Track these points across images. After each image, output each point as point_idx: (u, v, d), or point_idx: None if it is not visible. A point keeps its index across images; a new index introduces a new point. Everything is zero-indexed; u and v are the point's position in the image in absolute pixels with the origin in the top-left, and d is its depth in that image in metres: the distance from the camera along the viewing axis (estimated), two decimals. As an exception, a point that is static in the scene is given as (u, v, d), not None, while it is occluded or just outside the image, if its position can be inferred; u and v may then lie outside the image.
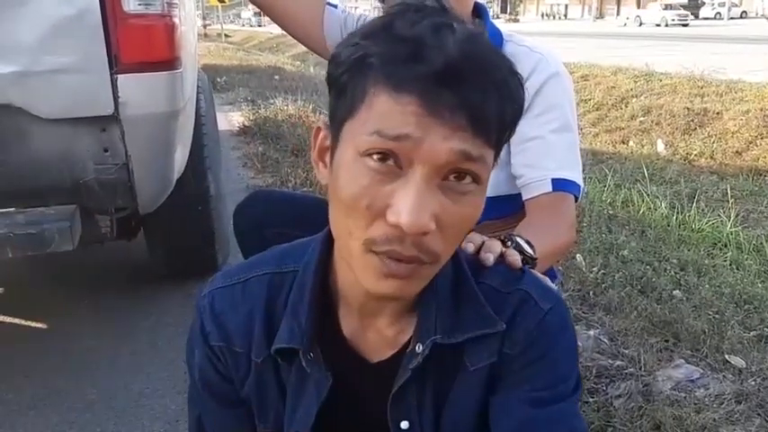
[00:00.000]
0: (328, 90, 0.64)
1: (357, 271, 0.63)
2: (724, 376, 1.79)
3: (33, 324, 2.26)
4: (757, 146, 5.83)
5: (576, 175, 1.25)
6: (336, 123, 0.62)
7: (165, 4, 1.68)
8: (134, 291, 2.50)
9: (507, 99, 0.59)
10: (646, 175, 4.72)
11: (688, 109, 6.74)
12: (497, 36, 1.31)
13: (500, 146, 0.62)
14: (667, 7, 36.59)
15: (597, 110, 7.64)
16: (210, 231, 2.35)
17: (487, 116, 0.58)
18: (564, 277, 2.42)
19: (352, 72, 0.59)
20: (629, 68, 8.53)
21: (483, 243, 0.78)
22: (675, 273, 2.61)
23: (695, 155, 6.01)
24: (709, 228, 3.47)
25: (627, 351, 1.92)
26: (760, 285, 2.59)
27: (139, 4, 1.63)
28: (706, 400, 1.67)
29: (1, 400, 1.83)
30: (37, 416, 1.76)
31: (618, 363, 1.85)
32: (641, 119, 7.02)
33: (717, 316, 2.18)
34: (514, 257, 0.76)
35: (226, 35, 28.28)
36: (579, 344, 1.86)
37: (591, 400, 1.70)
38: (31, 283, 2.57)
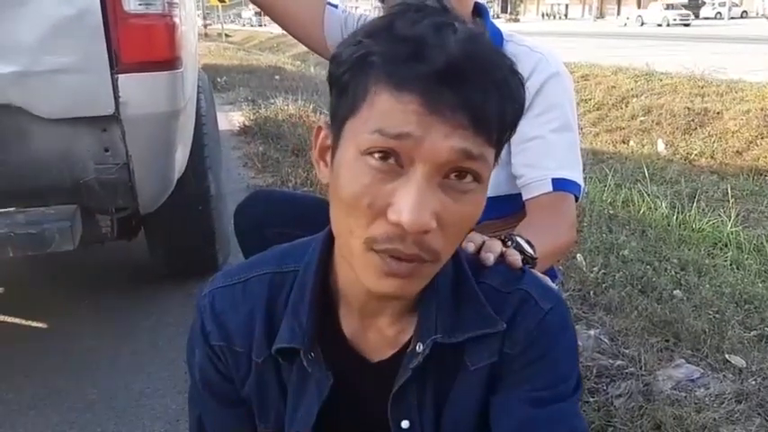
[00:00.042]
0: (329, 89, 0.64)
1: (358, 270, 0.63)
2: (724, 376, 1.79)
3: (33, 324, 2.26)
4: (757, 145, 5.83)
5: (577, 175, 1.25)
6: (337, 122, 0.62)
7: (166, 4, 1.68)
8: (134, 290, 2.50)
9: (508, 98, 0.59)
10: (646, 174, 4.73)
11: (688, 109, 6.74)
12: (497, 36, 1.31)
13: (501, 145, 0.62)
14: (669, 7, 36.53)
15: (597, 109, 7.64)
16: (211, 231, 2.35)
17: (488, 115, 0.58)
18: (564, 277, 2.42)
19: (353, 71, 0.59)
20: (630, 68, 8.53)
21: (483, 243, 0.78)
22: (676, 272, 2.61)
23: (695, 155, 6.01)
24: (710, 228, 3.47)
25: (627, 351, 1.92)
26: (760, 285, 2.59)
27: (140, 4, 1.63)
28: (706, 399, 1.67)
29: (1, 399, 1.83)
30: (37, 416, 1.76)
31: (618, 362, 1.85)
32: (642, 119, 7.02)
33: (717, 316, 2.18)
34: (515, 257, 0.76)
35: (226, 35, 28.29)
36: (580, 343, 1.86)
37: (591, 399, 1.70)
38: (32, 283, 2.58)
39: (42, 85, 1.59)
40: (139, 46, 1.66)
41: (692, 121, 6.57)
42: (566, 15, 57.86)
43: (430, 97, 0.56)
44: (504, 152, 0.67)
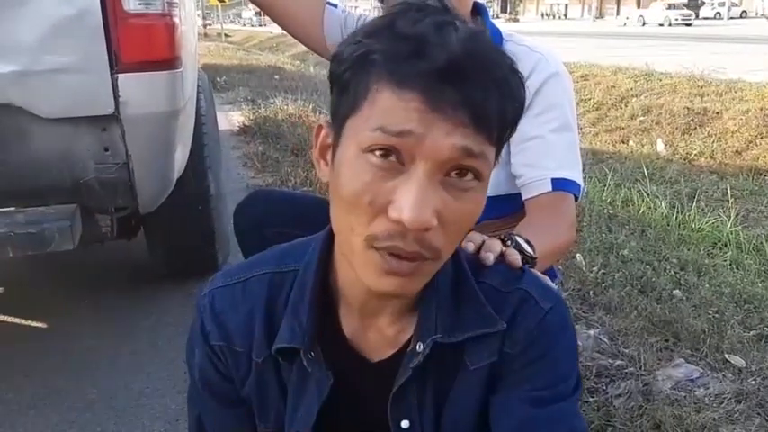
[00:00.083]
0: (330, 88, 0.64)
1: (358, 268, 0.63)
2: (724, 375, 1.79)
3: (33, 324, 2.26)
4: (757, 145, 5.84)
5: (576, 175, 1.25)
6: (338, 121, 0.62)
7: (166, 4, 1.68)
8: (134, 290, 2.50)
9: (508, 97, 0.60)
10: (646, 174, 4.73)
11: (688, 109, 6.75)
12: (497, 35, 1.31)
13: (501, 143, 0.63)
14: (671, 7, 36.40)
15: (597, 109, 7.64)
16: (211, 231, 2.35)
17: (489, 113, 0.58)
18: (564, 277, 2.42)
19: (354, 69, 0.59)
20: (629, 68, 8.54)
21: (483, 242, 0.78)
22: (675, 272, 2.61)
23: (695, 154, 6.01)
24: (709, 227, 3.47)
25: (627, 350, 1.92)
26: (760, 285, 2.60)
27: (140, 4, 1.63)
28: (706, 399, 1.67)
29: (1, 399, 1.83)
30: (37, 415, 1.76)
31: (618, 362, 1.85)
32: (641, 118, 7.02)
33: (717, 315, 2.18)
34: (514, 257, 0.76)
35: (226, 35, 28.27)
36: (579, 343, 1.86)
37: (591, 399, 1.70)
38: (31, 283, 2.58)
39: (42, 85, 1.59)
40: (139, 46, 1.66)
41: (692, 120, 6.57)
42: (565, 15, 57.88)
43: (431, 95, 0.56)
44: (503, 152, 0.67)
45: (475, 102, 0.57)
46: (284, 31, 1.61)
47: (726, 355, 1.89)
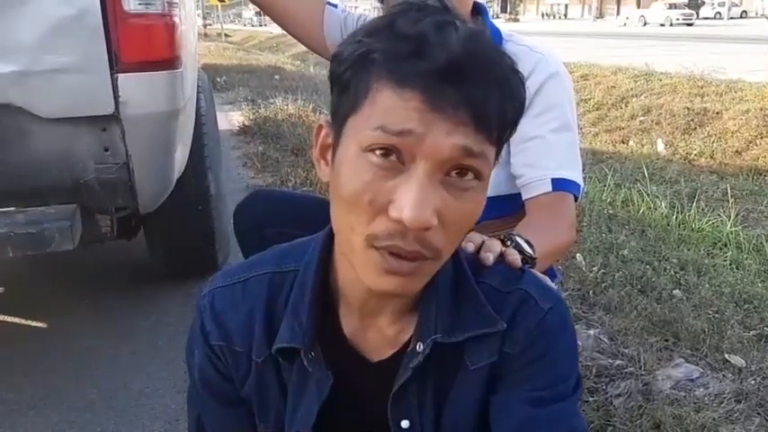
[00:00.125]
0: (330, 88, 0.64)
1: (358, 267, 0.63)
2: (724, 375, 1.79)
3: (33, 324, 2.26)
4: (757, 145, 5.84)
5: (576, 175, 1.25)
6: (339, 120, 0.62)
7: (166, 4, 1.68)
8: (134, 290, 2.50)
9: (508, 97, 0.60)
10: (646, 174, 4.73)
11: (688, 109, 6.74)
12: (496, 35, 1.31)
13: (501, 143, 0.63)
14: (672, 6, 36.28)
15: (597, 109, 7.64)
16: (211, 231, 2.35)
17: (489, 113, 0.58)
18: (564, 276, 2.42)
19: (355, 69, 0.59)
20: (629, 68, 8.54)
21: (483, 242, 0.78)
22: (675, 272, 2.61)
23: (695, 154, 6.01)
24: (709, 227, 3.47)
25: (627, 350, 1.92)
26: (760, 285, 2.60)
27: (140, 4, 1.63)
28: (706, 399, 1.67)
29: (1, 399, 1.83)
30: (37, 415, 1.76)
31: (618, 362, 1.85)
32: (641, 118, 7.02)
33: (717, 315, 2.18)
34: (514, 257, 0.76)
35: (226, 35, 28.27)
36: (579, 343, 1.86)
37: (591, 399, 1.70)
38: (31, 283, 2.58)
39: (42, 85, 1.59)
40: (139, 46, 1.66)
41: (692, 120, 6.57)
42: (565, 15, 57.87)
43: (431, 94, 0.56)
44: (503, 152, 0.67)
45: (475, 101, 0.57)
46: (284, 31, 1.61)
47: (726, 355, 1.90)
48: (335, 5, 1.52)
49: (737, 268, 2.88)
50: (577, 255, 2.62)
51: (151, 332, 2.18)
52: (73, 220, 1.67)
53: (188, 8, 2.11)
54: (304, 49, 1.73)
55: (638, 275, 2.50)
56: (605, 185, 4.19)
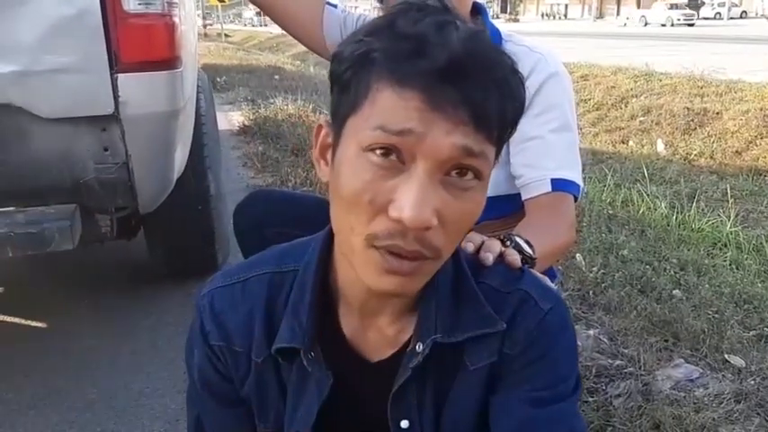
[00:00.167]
0: (330, 87, 0.64)
1: (358, 267, 0.63)
2: (723, 376, 1.79)
3: (33, 323, 2.26)
4: (757, 145, 5.84)
5: (576, 175, 1.25)
6: (339, 120, 0.62)
7: (165, 4, 1.68)
8: (134, 290, 2.50)
9: (508, 97, 0.60)
10: (645, 174, 4.73)
11: (688, 109, 6.75)
12: (496, 35, 1.31)
13: (501, 143, 0.63)
14: (673, 7, 36.16)
15: (597, 110, 7.65)
16: (210, 231, 2.35)
17: (489, 112, 0.58)
18: (564, 277, 2.42)
19: (355, 68, 0.60)
20: (629, 68, 8.54)
21: (483, 243, 0.78)
22: (675, 272, 2.61)
23: (695, 155, 6.01)
24: (709, 228, 3.47)
25: (626, 350, 1.92)
26: (760, 285, 2.60)
27: (139, 4, 1.63)
28: (705, 399, 1.67)
29: (1, 399, 1.83)
30: (37, 415, 1.76)
31: (617, 362, 1.85)
32: (641, 119, 7.02)
33: (716, 315, 2.18)
34: (514, 257, 0.76)
35: (226, 35, 28.27)
36: (579, 343, 1.86)
37: (590, 399, 1.70)
38: (31, 283, 2.58)
39: (42, 85, 1.59)
40: (139, 46, 1.66)
41: (692, 121, 6.57)
42: (565, 15, 57.87)
43: (432, 94, 0.56)
44: (503, 152, 0.67)
45: (475, 101, 0.57)
46: (284, 32, 1.61)
47: (725, 356, 1.90)
48: (335, 6, 1.52)
49: (737, 268, 2.88)
50: (577, 255, 2.62)
51: (151, 332, 2.18)
52: (73, 220, 1.67)
53: (188, 8, 2.11)
54: (304, 49, 1.73)
55: (637, 275, 2.50)
56: (605, 185, 4.19)
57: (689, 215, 3.64)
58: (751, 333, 2.10)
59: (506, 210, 1.33)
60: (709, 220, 3.56)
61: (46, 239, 1.62)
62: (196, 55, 2.50)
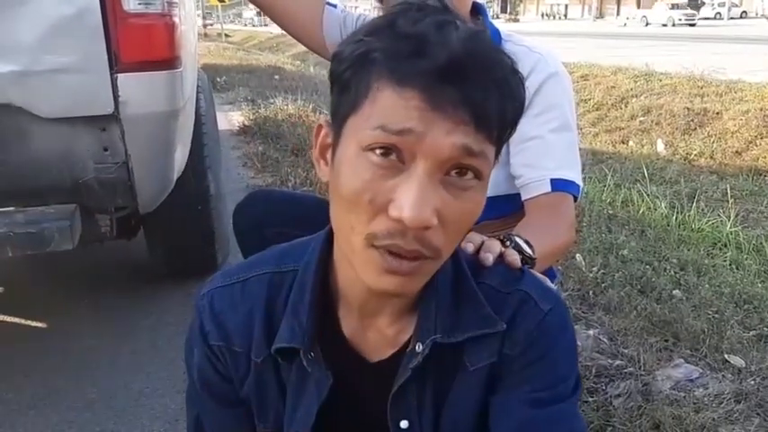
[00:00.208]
0: (330, 87, 0.64)
1: (358, 267, 0.63)
2: (723, 376, 1.79)
3: (33, 323, 2.26)
4: (757, 146, 5.84)
5: (576, 175, 1.25)
6: (339, 120, 0.62)
7: (165, 4, 1.68)
8: (134, 290, 2.50)
9: (508, 96, 0.60)
10: (646, 174, 4.73)
11: (688, 109, 6.75)
12: (496, 35, 1.31)
13: (501, 143, 0.63)
14: (674, 7, 36.04)
15: (597, 110, 7.65)
16: (210, 231, 2.35)
17: (489, 112, 0.58)
18: (563, 277, 2.42)
19: (355, 68, 0.60)
20: (629, 68, 8.54)
21: (482, 243, 0.78)
22: (675, 272, 2.61)
23: (695, 155, 6.01)
24: (709, 228, 3.47)
25: (626, 350, 1.92)
26: (759, 285, 2.60)
27: (139, 4, 1.63)
28: (705, 399, 1.67)
29: (1, 399, 1.83)
30: (37, 415, 1.76)
31: (617, 362, 1.85)
32: (641, 119, 7.03)
33: (716, 316, 2.18)
34: (514, 257, 0.76)
35: (226, 35, 28.27)
36: (579, 343, 1.86)
37: (590, 399, 1.70)
38: (31, 283, 2.57)
39: (42, 85, 1.59)
40: (139, 45, 1.66)
41: (692, 121, 6.57)
42: (565, 15, 57.86)
43: (432, 93, 0.56)
44: (503, 152, 0.67)
45: (475, 101, 0.57)
46: (284, 32, 1.61)
47: (725, 356, 1.90)
48: (335, 5, 1.52)
49: (737, 268, 2.88)
50: (577, 255, 2.62)
51: (151, 332, 2.18)
52: (72, 220, 1.67)
53: (188, 8, 2.11)
54: (304, 49, 1.73)
55: (637, 276, 2.50)
56: (605, 186, 4.19)
57: (689, 215, 3.64)
58: (751, 333, 2.10)
59: (506, 210, 1.33)
60: (709, 220, 3.56)
61: (45, 239, 1.62)
62: (196, 55, 2.50)
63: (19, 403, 1.81)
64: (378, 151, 0.58)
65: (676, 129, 6.56)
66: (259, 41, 26.89)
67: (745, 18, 40.65)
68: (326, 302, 0.73)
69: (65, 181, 1.71)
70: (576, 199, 1.25)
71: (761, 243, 3.31)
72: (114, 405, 1.80)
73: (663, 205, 3.75)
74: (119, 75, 1.64)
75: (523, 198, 1.26)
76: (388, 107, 0.57)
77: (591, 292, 2.35)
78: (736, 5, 42.98)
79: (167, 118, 1.78)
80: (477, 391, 0.72)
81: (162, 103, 1.75)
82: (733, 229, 3.44)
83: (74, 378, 1.92)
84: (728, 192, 4.46)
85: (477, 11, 1.33)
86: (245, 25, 57.09)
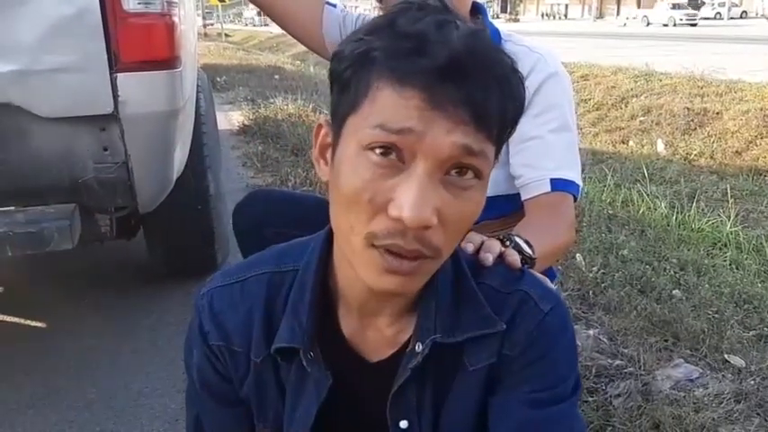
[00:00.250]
0: (330, 86, 0.64)
1: (358, 267, 0.63)
2: (723, 376, 1.79)
3: (33, 323, 2.26)
4: (757, 145, 5.84)
5: (575, 175, 1.25)
6: (339, 119, 0.62)
7: (165, 4, 1.68)
8: (134, 289, 2.50)
9: (509, 96, 0.60)
10: (645, 174, 4.73)
11: (688, 109, 6.75)
12: (495, 35, 1.31)
13: (501, 142, 0.63)
14: (675, 6, 35.94)
15: (597, 110, 7.64)
16: (210, 231, 2.35)
17: (489, 111, 0.58)
18: (563, 277, 2.42)
19: (355, 67, 0.59)
20: (629, 68, 8.54)
21: (482, 243, 0.78)
22: (675, 272, 2.61)
23: (695, 155, 6.01)
24: (709, 227, 3.47)
25: (626, 350, 1.92)
26: (759, 285, 2.60)
27: (139, 4, 1.63)
28: (705, 399, 1.67)
29: (0, 398, 1.83)
30: (36, 415, 1.76)
31: (617, 362, 1.85)
32: (641, 119, 7.02)
33: (716, 315, 2.18)
34: (514, 257, 0.76)
35: (226, 35, 28.27)
36: (579, 343, 1.86)
37: (590, 399, 1.70)
38: (32, 283, 2.57)
39: (42, 85, 1.59)
40: (139, 45, 1.66)
41: (692, 121, 6.57)
42: (565, 15, 57.84)
43: (432, 92, 0.56)
44: (502, 152, 0.67)
45: (475, 100, 0.57)
46: (284, 31, 1.61)
47: (725, 356, 1.90)
48: (334, 5, 1.52)
49: (737, 268, 2.87)
50: (577, 255, 2.62)
51: (151, 331, 2.18)
52: (72, 220, 1.67)
53: (187, 8, 2.11)
54: (304, 49, 1.73)
55: (637, 275, 2.50)
56: (605, 186, 4.19)
57: (689, 215, 3.64)
58: (751, 333, 2.10)
59: (506, 209, 1.33)
60: (709, 220, 3.56)
61: (45, 239, 1.62)
62: (196, 54, 2.50)
63: (18, 403, 1.81)
64: (377, 150, 0.58)
65: (676, 129, 6.56)
66: (259, 41, 26.89)
67: (745, 18, 40.62)
68: (326, 302, 0.73)
69: (64, 180, 1.71)
70: (575, 199, 1.25)
71: (761, 243, 3.31)
72: (114, 405, 1.80)
73: (663, 205, 3.75)
74: (118, 74, 1.64)
75: (523, 198, 1.26)
76: (388, 106, 0.57)
77: (591, 292, 2.35)
78: (736, 5, 42.97)
79: (167, 118, 1.78)
80: (476, 392, 0.72)
81: (162, 102, 1.75)
82: (733, 229, 3.44)
83: (73, 378, 1.92)
84: (728, 192, 4.46)
85: (477, 10, 1.33)
86: (246, 25, 57.05)
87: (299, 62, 13.84)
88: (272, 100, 6.51)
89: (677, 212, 3.66)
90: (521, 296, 0.71)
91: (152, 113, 1.73)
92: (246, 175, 4.18)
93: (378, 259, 0.60)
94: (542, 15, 59.58)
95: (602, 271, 2.51)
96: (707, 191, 4.72)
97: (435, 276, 0.67)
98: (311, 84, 8.65)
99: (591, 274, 2.46)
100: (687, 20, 33.59)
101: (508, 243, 0.83)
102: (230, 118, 6.27)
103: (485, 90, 0.57)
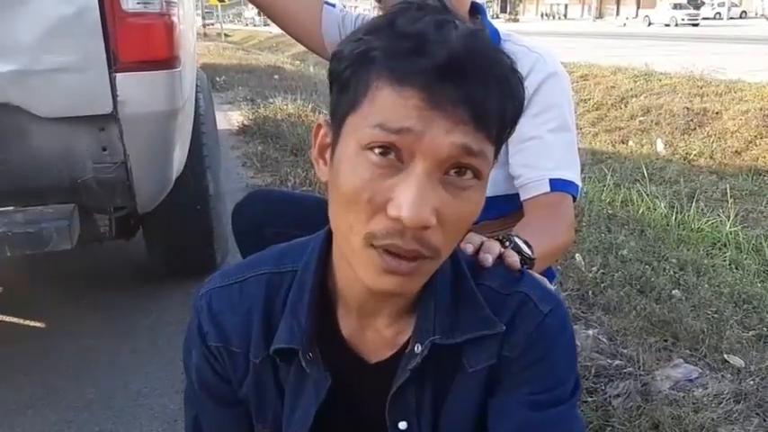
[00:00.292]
0: (330, 86, 0.64)
1: (357, 267, 0.63)
2: (723, 376, 1.79)
3: (33, 323, 2.26)
4: (757, 145, 5.84)
5: (574, 175, 1.25)
6: (338, 119, 0.62)
7: (164, 3, 1.68)
8: (134, 289, 2.50)
9: (508, 95, 0.60)
10: (645, 174, 4.73)
11: (687, 109, 6.74)
12: (495, 35, 1.30)
13: (500, 142, 0.63)
14: (677, 6, 35.85)
15: (597, 110, 7.64)
16: (209, 231, 2.35)
17: (489, 111, 0.58)
18: (563, 277, 2.42)
19: (354, 67, 0.59)
20: (629, 68, 8.54)
21: (482, 244, 0.78)
22: (674, 272, 2.61)
23: (695, 155, 6.01)
24: (709, 227, 3.47)
25: (626, 350, 1.92)
26: (759, 285, 2.59)
27: (138, 3, 1.63)
28: (704, 399, 1.67)
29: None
30: (35, 415, 1.76)
31: (617, 362, 1.85)
32: (641, 119, 7.02)
33: (716, 315, 2.18)
34: (513, 258, 0.76)
35: (226, 34, 28.27)
36: (578, 343, 1.86)
37: (590, 399, 1.70)
38: (31, 283, 2.57)
39: (41, 84, 1.59)
40: (138, 45, 1.66)
41: (691, 121, 6.57)
42: (565, 15, 57.85)
43: (431, 92, 0.56)
44: (502, 152, 0.67)
45: (475, 99, 0.57)
46: (283, 31, 1.61)
47: (725, 356, 1.89)
48: (334, 5, 1.52)
49: (737, 268, 2.87)
50: (576, 255, 2.62)
51: (150, 331, 2.18)
52: (71, 220, 1.67)
53: (186, 7, 2.11)
54: (304, 48, 1.73)
55: (637, 275, 2.50)
56: (605, 185, 4.19)
57: (688, 215, 3.64)
58: (750, 333, 2.10)
59: (505, 209, 1.32)
60: (708, 220, 3.56)
61: (44, 239, 1.62)
62: (195, 54, 2.50)
63: (17, 403, 1.81)
64: (377, 150, 0.58)
65: (676, 129, 6.56)
66: (259, 41, 26.88)
67: (744, 18, 40.61)
68: (325, 303, 0.73)
69: (63, 181, 1.71)
70: (575, 199, 1.25)
71: (760, 243, 3.30)
72: (113, 405, 1.80)
73: (662, 205, 3.75)
74: (117, 74, 1.64)
75: (522, 198, 1.26)
76: (388, 106, 0.57)
77: (590, 292, 2.35)
78: (736, 5, 42.96)
79: (166, 118, 1.78)
80: (475, 393, 0.72)
81: (161, 102, 1.74)
82: (732, 229, 3.44)
83: (72, 378, 1.92)
84: (728, 192, 4.46)
85: (476, 10, 1.33)
86: (246, 25, 57.01)
87: (298, 62, 13.84)
88: (271, 100, 6.51)
89: (677, 212, 3.66)
90: (520, 297, 0.71)
91: (151, 113, 1.73)
92: (246, 175, 4.18)
93: (377, 259, 0.60)
94: (542, 15, 59.58)
95: (601, 271, 2.51)
96: (706, 191, 4.72)
97: (434, 277, 0.67)
98: (311, 84, 8.65)
99: (590, 274, 2.46)
100: (689, 20, 33.51)
101: (507, 244, 0.83)
102: (230, 118, 6.27)
103: (484, 90, 0.57)
